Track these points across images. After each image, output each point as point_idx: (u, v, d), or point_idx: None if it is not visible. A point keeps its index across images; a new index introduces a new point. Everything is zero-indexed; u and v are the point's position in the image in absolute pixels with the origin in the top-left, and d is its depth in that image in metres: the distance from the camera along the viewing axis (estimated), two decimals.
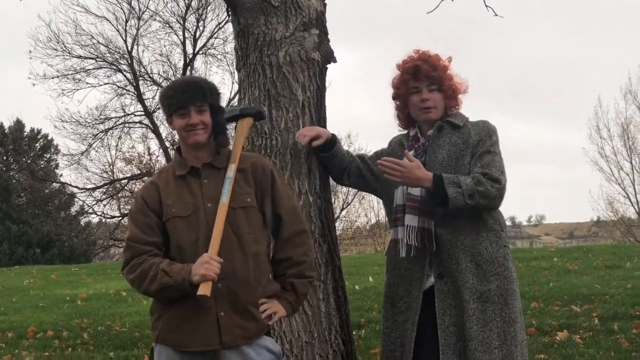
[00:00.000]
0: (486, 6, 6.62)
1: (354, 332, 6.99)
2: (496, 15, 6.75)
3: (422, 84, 4.50)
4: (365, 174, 4.79)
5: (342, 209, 34.37)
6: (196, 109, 3.77)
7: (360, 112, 57.23)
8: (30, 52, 30.44)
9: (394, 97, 4.67)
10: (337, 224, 33.23)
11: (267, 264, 3.86)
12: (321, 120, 5.26)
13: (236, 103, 5.72)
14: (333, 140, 4.83)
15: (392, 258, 4.58)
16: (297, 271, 3.86)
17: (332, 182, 5.13)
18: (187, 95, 3.77)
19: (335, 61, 5.34)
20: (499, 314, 4.36)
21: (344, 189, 33.70)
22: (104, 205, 33.30)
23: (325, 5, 5.36)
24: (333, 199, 5.27)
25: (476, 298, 4.34)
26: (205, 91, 3.83)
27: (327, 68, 5.34)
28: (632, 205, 34.40)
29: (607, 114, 35.86)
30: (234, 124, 4.29)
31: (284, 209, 3.86)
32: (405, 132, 4.72)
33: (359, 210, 36.55)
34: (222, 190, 3.72)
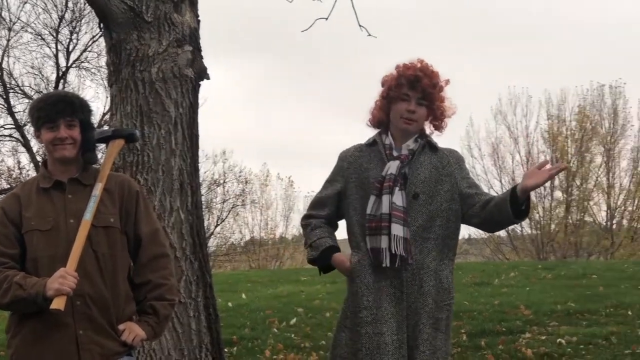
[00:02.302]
0: (360, 26, 6.70)
1: (225, 350, 7.00)
2: (370, 35, 6.84)
3: (415, 95, 4.40)
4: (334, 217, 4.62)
5: (217, 225, 34.10)
6: (65, 124, 3.71)
7: (235, 128, 57.16)
8: None
9: (383, 96, 4.51)
10: (211, 240, 33.06)
11: (125, 285, 3.80)
12: (193, 138, 5.25)
13: (108, 118, 5.65)
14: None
15: (359, 267, 4.40)
16: (157, 294, 3.80)
17: (204, 198, 5.07)
18: (56, 109, 3.71)
19: (208, 78, 5.34)
20: (444, 344, 4.40)
21: (218, 205, 33.61)
22: None
23: (199, 22, 5.36)
24: (207, 215, 5.25)
25: (431, 324, 4.34)
26: (76, 106, 3.78)
27: (200, 85, 5.33)
28: None
29: (478, 133, 36.55)
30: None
31: (145, 232, 3.81)
32: (364, 142, 4.56)
33: (234, 226, 36.34)
34: (86, 207, 3.68)
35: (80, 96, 4.02)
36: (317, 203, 4.61)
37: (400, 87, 4.41)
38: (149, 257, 3.83)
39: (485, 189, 4.76)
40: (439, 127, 4.57)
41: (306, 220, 4.60)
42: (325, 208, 4.55)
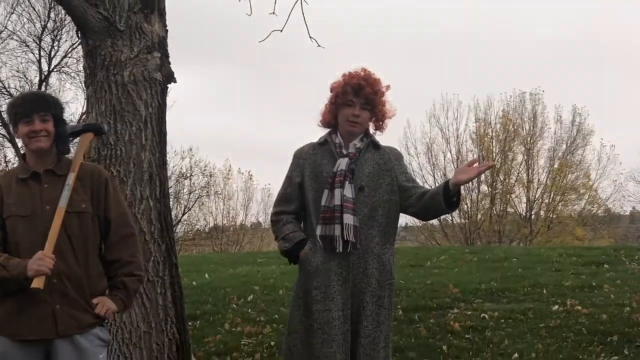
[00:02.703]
0: (310, 37, 6.70)
1: (189, 323, 6.98)
2: (319, 46, 6.84)
3: (359, 100, 4.44)
4: (300, 209, 4.61)
5: (184, 214, 33.91)
6: (40, 118, 3.70)
7: (202, 127, 57.06)
8: None
9: (331, 102, 4.55)
10: (179, 227, 32.87)
11: (97, 263, 3.78)
12: (161, 134, 5.23)
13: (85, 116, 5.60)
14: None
15: (310, 253, 4.43)
16: (127, 271, 3.81)
17: (173, 189, 5.04)
18: (32, 105, 3.71)
19: (175, 81, 5.31)
20: (387, 319, 4.44)
21: (185, 195, 33.45)
22: None
23: (167, 31, 5.34)
24: (175, 205, 5.22)
25: (375, 301, 4.38)
26: (49, 103, 3.78)
27: (167, 87, 5.31)
28: None
29: (414, 134, 36.75)
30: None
31: (114, 214, 3.81)
32: (316, 140, 4.59)
33: (199, 215, 36.19)
34: (61, 195, 3.66)
35: (52, 95, 4.02)
36: (283, 199, 4.61)
37: (346, 94, 4.46)
38: (118, 237, 3.83)
39: (421, 183, 4.80)
40: (380, 128, 4.63)
41: (277, 216, 4.60)
42: (292, 202, 4.57)
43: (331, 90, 4.55)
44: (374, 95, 4.47)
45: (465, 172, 4.27)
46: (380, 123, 4.60)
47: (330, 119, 4.55)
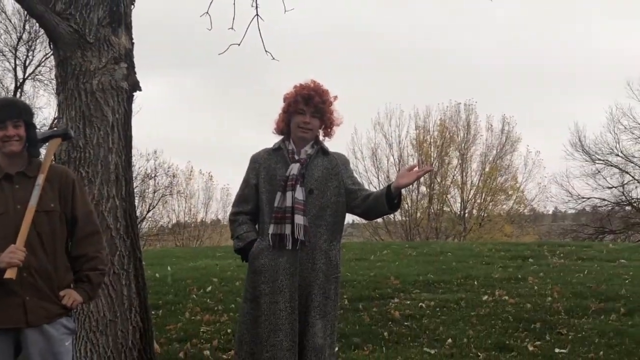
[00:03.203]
0: (265, 51, 6.70)
1: (152, 312, 6.91)
2: (274, 58, 6.83)
3: (309, 109, 4.46)
4: (256, 209, 4.58)
5: (149, 211, 33.66)
6: (12, 124, 3.65)
7: (166, 131, 56.73)
8: None
9: (284, 111, 4.56)
10: (144, 224, 32.56)
11: (64, 258, 3.75)
12: (127, 138, 5.18)
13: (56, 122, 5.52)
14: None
15: (258, 250, 4.44)
16: (91, 265, 3.78)
17: (138, 189, 5.00)
18: (4, 112, 3.65)
19: (140, 89, 5.27)
20: (333, 309, 4.46)
21: (150, 194, 33.16)
22: None
23: (133, 44, 5.29)
24: (141, 203, 5.18)
25: (322, 293, 4.39)
26: (21, 109, 3.73)
27: (133, 95, 5.27)
28: None
29: (361, 140, 37.00)
30: None
31: (80, 213, 3.78)
32: (271, 146, 4.59)
33: (163, 212, 35.97)
34: (31, 195, 3.62)
35: (24, 101, 3.98)
36: (241, 200, 4.61)
37: (297, 104, 4.49)
38: (84, 234, 3.80)
39: (366, 185, 4.86)
40: (329, 134, 4.66)
41: (234, 216, 4.61)
42: (249, 203, 4.57)
43: (284, 100, 4.57)
44: (322, 104, 4.50)
45: (406, 176, 4.32)
46: (329, 130, 4.63)
47: (283, 127, 4.57)
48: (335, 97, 4.60)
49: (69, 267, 3.77)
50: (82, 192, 3.89)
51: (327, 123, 4.58)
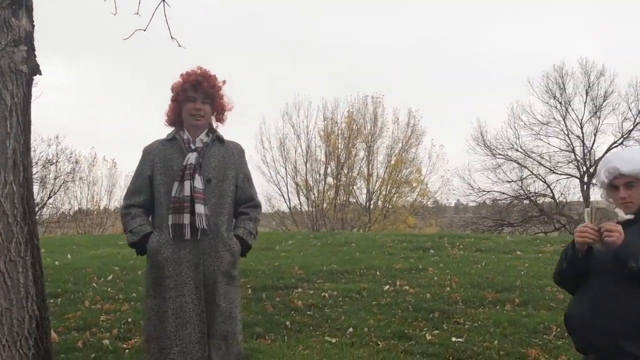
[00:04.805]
0: (172, 37, 6.59)
1: (50, 301, 6.78)
2: (180, 46, 6.73)
3: (199, 95, 4.44)
4: (150, 201, 4.52)
5: (49, 197, 32.79)
6: None
7: (69, 117, 55.23)
8: None
9: (173, 100, 4.52)
10: (44, 210, 31.67)
11: None
12: (26, 123, 5.05)
13: None
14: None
15: (158, 244, 4.38)
16: None
17: (40, 175, 4.90)
18: None
19: (40, 73, 5.13)
20: (237, 296, 4.46)
21: (52, 180, 32.31)
22: None
23: (33, 26, 5.15)
24: (41, 189, 5.06)
25: (227, 280, 4.38)
26: None
27: (33, 79, 5.13)
28: (285, 202, 36.03)
29: (269, 130, 37.06)
30: None
31: None
32: (164, 137, 4.54)
33: (64, 198, 35.10)
34: None
35: None
36: (133, 192, 4.55)
37: (186, 91, 4.49)
38: None
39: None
40: (221, 120, 4.67)
41: (126, 209, 4.54)
42: (142, 195, 4.51)
43: (172, 90, 4.57)
44: (212, 89, 4.51)
45: None
46: (221, 115, 4.64)
47: (174, 117, 4.57)
48: (224, 82, 4.61)
49: None
50: None
51: (218, 108, 4.60)
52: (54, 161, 32.30)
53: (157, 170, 4.44)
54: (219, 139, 4.55)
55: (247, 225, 4.52)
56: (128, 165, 60.49)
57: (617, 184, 3.66)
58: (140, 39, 6.62)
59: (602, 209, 3.52)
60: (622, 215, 3.61)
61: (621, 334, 3.41)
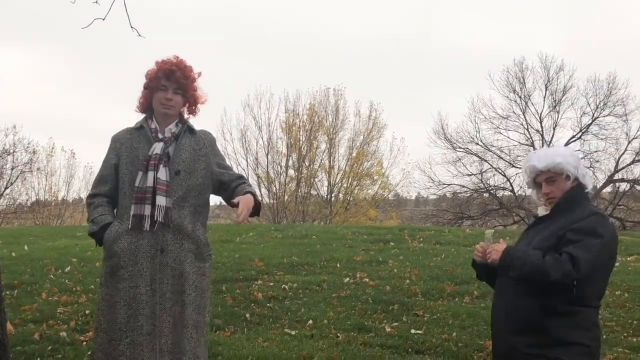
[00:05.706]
0: (131, 27, 6.52)
1: (7, 292, 6.68)
2: (140, 35, 6.65)
3: (171, 85, 4.35)
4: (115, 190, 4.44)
5: (6, 188, 32.31)
6: None
7: (27, 106, 54.49)
8: None
9: (145, 87, 4.42)
10: (1, 201, 31.26)
11: None
12: None
13: None
14: None
15: (116, 234, 4.30)
16: None
17: None
18: None
19: None
20: (207, 285, 4.39)
21: (8, 171, 31.85)
22: None
23: None
24: None
25: (195, 271, 4.31)
26: None
27: None
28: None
29: (230, 121, 36.91)
30: None
31: None
32: (133, 125, 4.45)
33: (22, 189, 34.59)
34: None
35: None
36: (99, 181, 4.47)
37: (158, 79, 4.40)
38: None
39: (235, 167, 4.85)
40: (193, 112, 4.58)
41: (91, 199, 4.46)
42: (107, 184, 4.43)
43: (145, 77, 4.47)
44: (185, 80, 4.42)
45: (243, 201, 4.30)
46: (193, 107, 4.56)
47: (145, 104, 4.49)
48: (199, 74, 4.54)
49: None
50: None
51: (191, 100, 4.51)
52: (11, 151, 31.89)
53: (122, 159, 4.38)
54: (190, 130, 4.50)
55: (249, 188, 4.46)
56: (87, 155, 59.73)
57: (539, 181, 3.89)
58: (100, 28, 6.53)
59: (500, 231, 3.86)
60: (542, 212, 3.90)
61: (510, 330, 3.79)
